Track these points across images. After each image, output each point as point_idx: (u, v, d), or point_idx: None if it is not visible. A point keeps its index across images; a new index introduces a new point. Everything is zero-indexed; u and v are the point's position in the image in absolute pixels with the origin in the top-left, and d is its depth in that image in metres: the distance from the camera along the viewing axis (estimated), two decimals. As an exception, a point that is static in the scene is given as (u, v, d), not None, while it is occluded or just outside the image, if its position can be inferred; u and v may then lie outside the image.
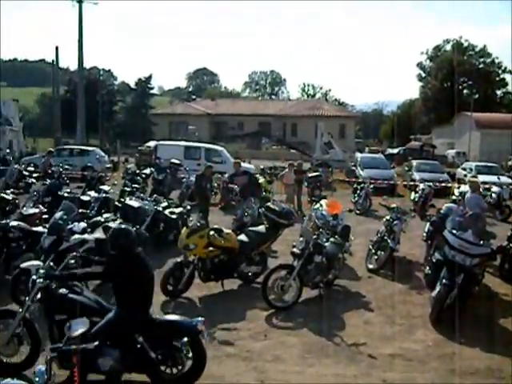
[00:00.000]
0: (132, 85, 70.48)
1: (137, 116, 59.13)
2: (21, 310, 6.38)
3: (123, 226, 6.65)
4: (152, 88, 68.02)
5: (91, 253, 9.04)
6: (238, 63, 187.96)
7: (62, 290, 6.24)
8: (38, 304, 6.32)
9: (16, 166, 21.53)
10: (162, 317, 6.63)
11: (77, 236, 9.01)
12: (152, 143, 31.66)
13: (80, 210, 11.61)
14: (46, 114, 68.50)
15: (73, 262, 7.41)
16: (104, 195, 13.74)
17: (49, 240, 8.77)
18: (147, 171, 21.25)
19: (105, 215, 10.71)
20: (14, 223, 9.83)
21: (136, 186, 16.95)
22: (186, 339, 6.02)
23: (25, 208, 11.58)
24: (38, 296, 6.24)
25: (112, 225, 9.81)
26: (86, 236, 9.15)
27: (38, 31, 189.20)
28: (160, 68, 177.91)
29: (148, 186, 20.01)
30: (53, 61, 48.34)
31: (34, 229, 9.90)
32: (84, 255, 8.67)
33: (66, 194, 13.89)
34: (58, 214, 9.29)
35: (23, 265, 8.53)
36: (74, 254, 7.67)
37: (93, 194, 14.02)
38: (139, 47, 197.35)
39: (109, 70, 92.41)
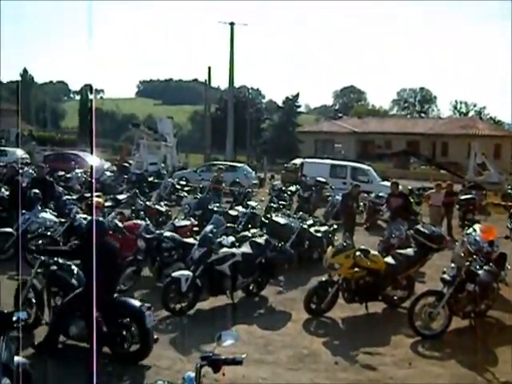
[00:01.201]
0: (279, 103, 71.88)
1: (283, 133, 60.13)
2: (29, 279, 7.83)
3: (96, 218, 8.04)
4: (299, 106, 68.83)
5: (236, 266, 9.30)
6: (386, 80, 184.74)
7: (53, 267, 7.73)
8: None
9: (169, 180, 22.74)
10: (118, 297, 7.38)
11: (225, 249, 9.28)
12: (298, 161, 31.95)
13: (228, 224, 11.97)
14: (197, 131, 71.91)
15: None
16: (251, 211, 14.08)
17: (199, 251, 9.10)
18: (293, 188, 21.45)
19: (252, 230, 10.94)
20: (168, 234, 10.37)
21: (283, 202, 17.19)
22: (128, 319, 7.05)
23: (177, 220, 12.16)
24: (39, 270, 7.85)
25: (259, 240, 10.02)
26: (234, 250, 9.40)
27: (192, 53, 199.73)
28: (307, 86, 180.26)
29: (293, 203, 20.21)
30: (205, 80, 50.76)
31: (186, 240, 10.36)
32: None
33: (215, 208, 14.40)
34: (209, 228, 9.64)
35: (174, 274, 8.96)
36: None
37: (240, 209, 14.42)
38: (287, 66, 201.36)
39: (257, 89, 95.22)
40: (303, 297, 9.44)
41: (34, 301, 7.84)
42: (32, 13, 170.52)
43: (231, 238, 9.62)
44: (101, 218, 8.48)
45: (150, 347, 7.14)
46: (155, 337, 7.30)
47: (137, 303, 7.26)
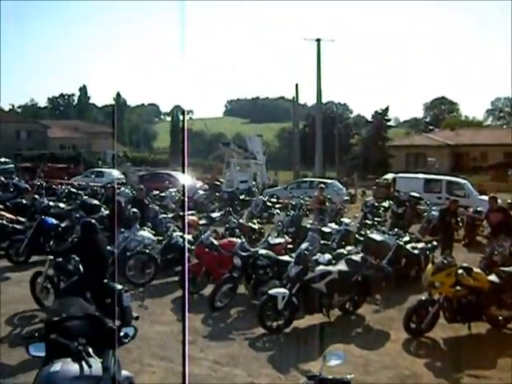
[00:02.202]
0: (367, 117, 71.06)
1: (373, 148, 59.26)
2: (44, 271, 10.07)
3: (88, 219, 10.06)
4: (389, 120, 67.75)
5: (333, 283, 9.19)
6: (478, 90, 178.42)
7: (59, 260, 9.91)
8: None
9: (260, 198, 22.92)
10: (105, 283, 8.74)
11: (322, 267, 9.20)
12: (390, 176, 31.37)
13: (321, 242, 11.89)
14: (284, 148, 72.20)
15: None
16: (345, 227, 13.92)
17: (295, 269, 9.07)
18: (385, 204, 21.04)
19: (347, 248, 10.79)
20: (263, 251, 10.41)
21: (377, 219, 16.91)
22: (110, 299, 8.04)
23: (270, 237, 12.20)
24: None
25: (355, 258, 9.87)
26: (330, 267, 9.30)
27: (278, 70, 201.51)
28: (395, 99, 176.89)
29: (386, 220, 19.79)
30: (293, 98, 50.97)
31: (281, 258, 10.36)
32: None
33: (308, 226, 14.35)
34: (304, 245, 9.61)
35: (271, 291, 8.97)
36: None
37: (333, 226, 14.28)
38: (374, 80, 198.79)
39: (344, 104, 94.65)
40: (402, 316, 9.17)
41: (49, 287, 9.94)
42: (124, 37, 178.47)
43: (327, 256, 9.52)
44: (93, 221, 9.78)
45: (129, 322, 8.12)
46: (135, 315, 8.67)
47: (118, 287, 8.67)
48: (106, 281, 8.79)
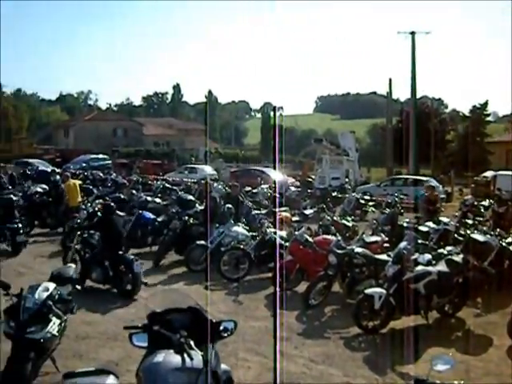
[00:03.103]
0: (465, 112, 68.27)
1: (471, 145, 56.84)
2: (73, 245, 11.69)
3: (107, 203, 12.79)
4: (488, 115, 64.81)
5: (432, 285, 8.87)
6: None
7: (85, 235, 11.78)
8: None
9: (353, 195, 22.58)
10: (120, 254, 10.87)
11: (421, 267, 8.90)
12: (489, 173, 30.06)
13: (419, 241, 11.51)
14: (377, 144, 70.89)
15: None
16: (444, 227, 13.40)
17: (393, 269, 8.83)
18: (485, 203, 20.13)
19: (447, 248, 10.36)
20: (359, 250, 10.20)
21: (479, 218, 16.21)
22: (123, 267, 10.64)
23: (364, 235, 11.95)
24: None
25: (456, 258, 9.48)
26: (429, 268, 8.97)
27: (370, 65, 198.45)
28: (494, 93, 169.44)
29: (487, 219, 18.91)
30: (387, 93, 49.89)
31: (377, 256, 10.11)
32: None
33: (405, 224, 13.94)
34: (403, 244, 9.34)
35: (367, 290, 8.79)
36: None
37: (431, 225, 13.78)
38: (470, 73, 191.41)
39: (439, 99, 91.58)
40: (505, 321, 8.73)
41: (77, 259, 11.27)
42: (218, 35, 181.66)
43: (427, 256, 9.18)
44: (111, 203, 12.34)
45: (139, 287, 10.44)
46: (145, 281, 10.68)
47: (130, 257, 10.84)
48: (121, 252, 10.87)
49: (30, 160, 39.89)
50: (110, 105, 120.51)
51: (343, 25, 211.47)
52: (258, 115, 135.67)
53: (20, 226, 14.57)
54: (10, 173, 26.63)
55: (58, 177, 21.33)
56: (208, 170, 36.13)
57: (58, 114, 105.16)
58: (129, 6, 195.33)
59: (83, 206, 15.43)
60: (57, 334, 6.82)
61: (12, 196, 16.56)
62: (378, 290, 8.78)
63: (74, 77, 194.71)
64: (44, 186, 20.79)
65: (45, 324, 6.59)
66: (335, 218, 15.16)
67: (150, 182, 27.36)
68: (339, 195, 24.50)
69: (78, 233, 11.91)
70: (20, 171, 31.17)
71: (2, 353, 7.06)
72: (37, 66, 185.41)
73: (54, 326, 6.74)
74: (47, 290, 6.89)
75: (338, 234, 11.12)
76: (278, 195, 21.14)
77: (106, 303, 10.18)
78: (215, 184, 22.73)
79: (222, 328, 4.70)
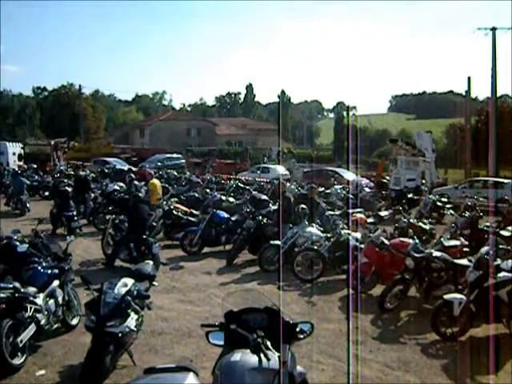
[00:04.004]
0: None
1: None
2: (107, 229, 14.13)
3: (135, 193, 14.94)
4: None
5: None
6: None
7: (116, 221, 14.01)
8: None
9: (430, 197, 21.96)
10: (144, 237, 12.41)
11: (503, 274, 8.51)
12: None
13: (501, 246, 11.04)
14: (454, 145, 68.80)
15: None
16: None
17: (474, 274, 8.49)
18: None
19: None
20: (438, 254, 9.88)
21: None
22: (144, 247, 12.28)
23: (443, 239, 11.58)
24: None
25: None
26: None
27: (447, 63, 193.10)
28: None
29: None
30: (465, 92, 48.33)
31: (456, 261, 9.76)
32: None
33: (485, 228, 13.43)
34: (485, 249, 8.97)
35: (446, 296, 8.51)
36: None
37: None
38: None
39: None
40: None
41: (110, 242, 13.53)
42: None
43: (511, 262, 8.78)
44: (140, 194, 15.12)
45: (157, 267, 11.15)
46: (163, 261, 12.55)
47: (151, 240, 12.45)
48: (144, 236, 12.37)
49: (108, 159, 41.38)
50: (184, 105, 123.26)
51: (419, 22, 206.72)
52: (331, 115, 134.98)
53: (75, 213, 16.88)
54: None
55: (133, 175, 22.04)
56: (281, 169, 36.13)
57: (134, 114, 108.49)
58: (202, 7, 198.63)
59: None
60: (134, 328, 6.99)
61: (67, 188, 18.74)
62: (458, 295, 8.47)
63: (150, 78, 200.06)
64: (121, 184, 21.47)
65: (123, 319, 6.77)
66: (411, 221, 14.79)
67: (222, 182, 27.67)
68: (415, 197, 23.94)
69: (112, 218, 14.22)
70: (98, 169, 32.32)
71: (82, 345, 7.32)
72: (113, 68, 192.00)
73: (131, 320, 6.91)
74: (126, 285, 7.06)
75: (415, 237, 10.80)
76: (351, 196, 20.87)
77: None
78: (288, 184, 22.69)
79: (298, 329, 4.66)
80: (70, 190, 18.43)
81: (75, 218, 16.65)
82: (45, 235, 10.09)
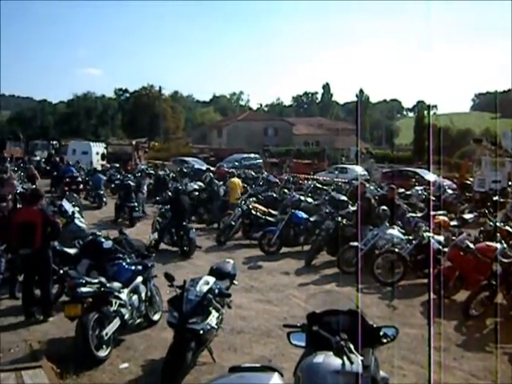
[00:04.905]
0: None
1: None
2: (155, 218, 16.13)
3: (176, 186, 18.83)
4: None
5: None
6: None
7: (162, 210, 15.85)
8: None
9: (517, 199, 21.05)
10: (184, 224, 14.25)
11: None
12: None
13: None
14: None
15: None
16: None
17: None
18: None
19: None
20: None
21: None
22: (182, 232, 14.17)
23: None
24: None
25: None
26: None
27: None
28: None
29: None
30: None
31: None
32: None
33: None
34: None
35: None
36: None
37: None
38: None
39: None
40: None
41: (157, 228, 14.97)
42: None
43: None
44: (180, 186, 18.84)
45: (193, 249, 13.87)
46: (199, 245, 14.30)
47: (189, 226, 14.42)
48: (184, 223, 14.18)
49: (186, 158, 42.22)
50: (261, 105, 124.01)
51: (504, 14, 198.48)
52: (411, 114, 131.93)
53: (136, 204, 18.98)
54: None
55: (212, 174, 22.45)
56: (359, 170, 35.58)
57: (212, 114, 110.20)
58: (283, 7, 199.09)
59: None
60: (215, 326, 7.07)
61: (130, 182, 21.16)
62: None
63: (227, 78, 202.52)
64: (200, 183, 21.87)
65: (205, 316, 6.85)
66: (498, 224, 14.19)
67: (300, 182, 27.58)
68: (501, 199, 22.95)
69: (159, 207, 16.27)
70: (177, 169, 33.02)
71: (164, 341, 7.48)
72: (192, 69, 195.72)
73: (213, 318, 6.99)
74: (207, 283, 7.15)
75: (502, 242, 10.35)
76: (433, 198, 20.29)
77: (171, 259, 13.48)
78: (367, 185, 22.33)
79: (382, 333, 4.56)
80: (132, 184, 20.59)
81: (136, 208, 18.87)
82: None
